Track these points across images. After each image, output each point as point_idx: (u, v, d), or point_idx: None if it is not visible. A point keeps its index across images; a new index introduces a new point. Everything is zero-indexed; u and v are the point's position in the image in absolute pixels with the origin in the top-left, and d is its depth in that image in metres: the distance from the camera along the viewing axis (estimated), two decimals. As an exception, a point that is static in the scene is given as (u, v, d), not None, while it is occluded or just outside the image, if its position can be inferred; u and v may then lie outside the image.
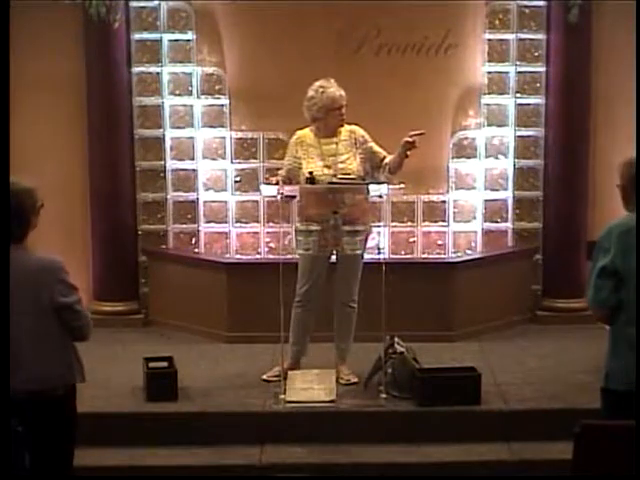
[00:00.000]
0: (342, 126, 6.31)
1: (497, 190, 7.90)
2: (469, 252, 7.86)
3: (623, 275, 4.53)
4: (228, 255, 7.85)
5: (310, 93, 6.28)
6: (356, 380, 6.38)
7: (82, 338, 4.55)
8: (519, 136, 7.87)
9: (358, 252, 6.19)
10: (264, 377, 6.50)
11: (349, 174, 6.18)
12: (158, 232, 7.96)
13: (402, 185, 6.10)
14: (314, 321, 6.45)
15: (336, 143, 6.29)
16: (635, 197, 4.62)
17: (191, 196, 7.91)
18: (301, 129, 6.40)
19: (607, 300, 4.57)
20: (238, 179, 7.81)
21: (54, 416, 4.47)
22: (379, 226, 7.10)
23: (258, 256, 7.78)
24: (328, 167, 6.23)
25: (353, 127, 6.34)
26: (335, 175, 6.18)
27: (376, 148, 6.31)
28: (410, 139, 6.05)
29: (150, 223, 7.94)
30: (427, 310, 7.30)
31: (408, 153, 6.08)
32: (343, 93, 6.26)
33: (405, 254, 7.78)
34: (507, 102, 7.84)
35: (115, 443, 5.85)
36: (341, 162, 6.24)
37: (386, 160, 6.23)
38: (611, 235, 4.58)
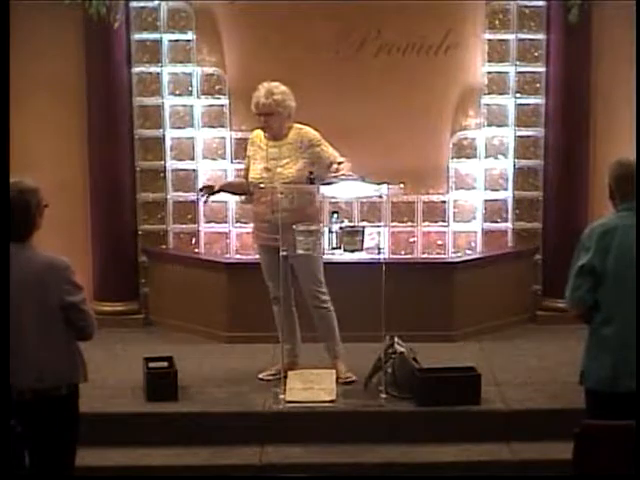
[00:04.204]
0: (291, 131, 6.26)
1: (497, 190, 7.90)
2: (469, 252, 7.86)
3: (601, 275, 4.55)
4: (228, 255, 7.85)
5: None
6: (354, 378, 6.37)
7: (86, 337, 4.57)
8: (519, 136, 7.87)
9: (309, 252, 6.11)
10: (260, 376, 6.51)
11: (287, 178, 6.17)
12: (158, 232, 7.96)
13: (402, 185, 6.09)
14: (295, 320, 6.48)
15: (280, 146, 6.27)
16: (620, 197, 4.65)
17: (191, 196, 7.91)
18: (259, 128, 6.41)
19: (583, 299, 4.60)
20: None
21: (57, 415, 4.48)
22: (379, 226, 7.11)
23: (258, 256, 7.77)
24: (268, 170, 6.24)
25: (304, 129, 6.28)
26: (271, 179, 6.19)
27: (324, 153, 6.23)
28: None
29: (150, 223, 7.95)
30: (427, 310, 7.31)
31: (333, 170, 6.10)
32: (268, 101, 6.18)
33: (405, 254, 7.79)
34: (507, 102, 7.84)
35: (115, 443, 5.85)
36: (280, 166, 6.23)
37: (334, 166, 6.13)
38: (593, 234, 4.61)
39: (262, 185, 6.18)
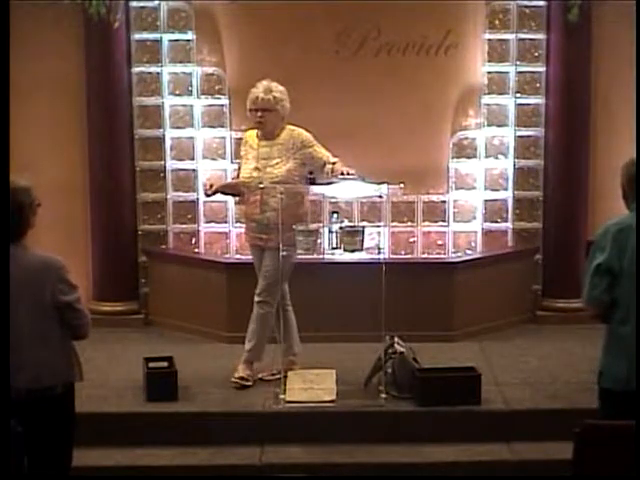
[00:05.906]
0: (282, 130, 6.27)
1: (497, 190, 7.90)
2: (469, 252, 7.86)
3: (618, 274, 4.54)
4: (228, 255, 7.85)
5: None
6: (249, 383, 6.32)
7: (81, 336, 4.57)
8: (519, 136, 7.87)
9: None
10: (259, 376, 6.50)
11: (276, 177, 6.18)
12: (158, 232, 7.96)
13: (402, 185, 6.09)
14: (290, 318, 6.51)
15: (272, 146, 6.27)
16: (633, 197, 4.64)
17: (191, 196, 7.91)
18: (252, 129, 6.42)
19: (600, 298, 4.59)
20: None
21: (52, 415, 4.47)
22: (379, 226, 7.11)
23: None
24: (258, 170, 6.25)
25: (297, 131, 6.29)
26: (261, 178, 6.19)
27: (317, 153, 6.23)
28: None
29: (150, 223, 7.95)
30: (427, 310, 7.31)
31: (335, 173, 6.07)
32: (267, 97, 6.20)
33: (405, 254, 7.79)
34: (507, 102, 7.85)
35: (115, 443, 5.84)
36: (270, 166, 6.24)
37: (329, 166, 6.13)
38: (608, 234, 4.60)
39: (261, 184, 6.17)
